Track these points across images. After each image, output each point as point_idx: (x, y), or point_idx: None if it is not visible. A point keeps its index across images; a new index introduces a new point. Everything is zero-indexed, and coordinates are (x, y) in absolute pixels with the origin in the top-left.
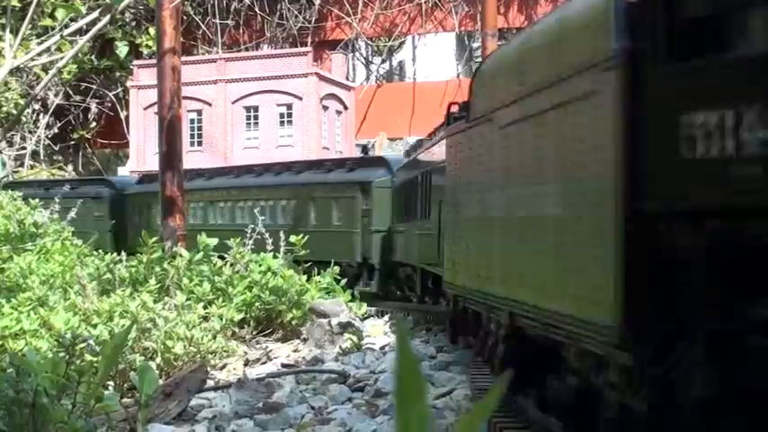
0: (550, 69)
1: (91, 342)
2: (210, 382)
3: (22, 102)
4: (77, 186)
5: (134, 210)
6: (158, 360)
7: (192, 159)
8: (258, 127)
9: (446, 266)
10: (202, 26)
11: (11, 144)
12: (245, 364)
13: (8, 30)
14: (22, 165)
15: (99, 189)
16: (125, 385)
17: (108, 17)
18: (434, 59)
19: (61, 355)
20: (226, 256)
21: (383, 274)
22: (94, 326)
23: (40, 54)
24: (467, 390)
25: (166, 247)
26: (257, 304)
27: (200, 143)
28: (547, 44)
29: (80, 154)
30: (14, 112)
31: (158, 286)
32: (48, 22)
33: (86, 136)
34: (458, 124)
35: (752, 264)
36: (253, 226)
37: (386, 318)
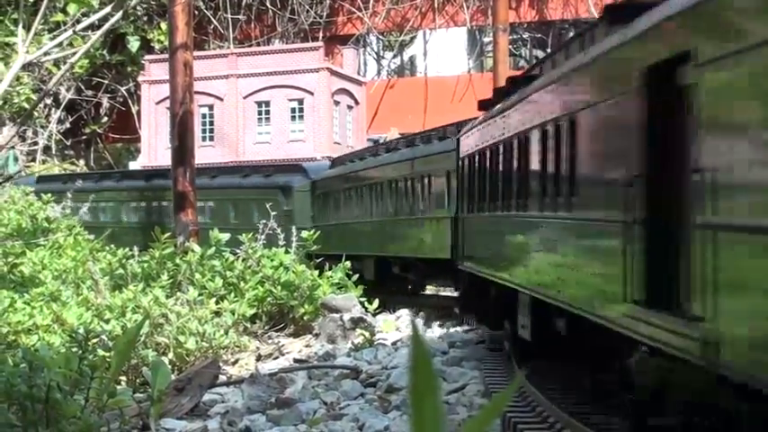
0: None
1: (104, 337)
2: (223, 378)
3: (33, 96)
4: (252, 174)
5: (324, 200)
6: (171, 355)
7: (203, 154)
8: (270, 122)
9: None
10: (214, 21)
11: (23, 139)
12: (257, 360)
13: (21, 25)
14: (33, 160)
15: (288, 178)
16: (137, 380)
17: (120, 13)
18: (445, 54)
19: (74, 350)
20: (237, 251)
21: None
22: (107, 321)
23: (52, 49)
24: (479, 385)
25: (178, 242)
26: (269, 299)
27: (211, 138)
28: None
29: (92, 149)
30: (26, 106)
31: (170, 282)
32: (60, 17)
33: (98, 131)
34: None
35: None
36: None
37: (397, 313)
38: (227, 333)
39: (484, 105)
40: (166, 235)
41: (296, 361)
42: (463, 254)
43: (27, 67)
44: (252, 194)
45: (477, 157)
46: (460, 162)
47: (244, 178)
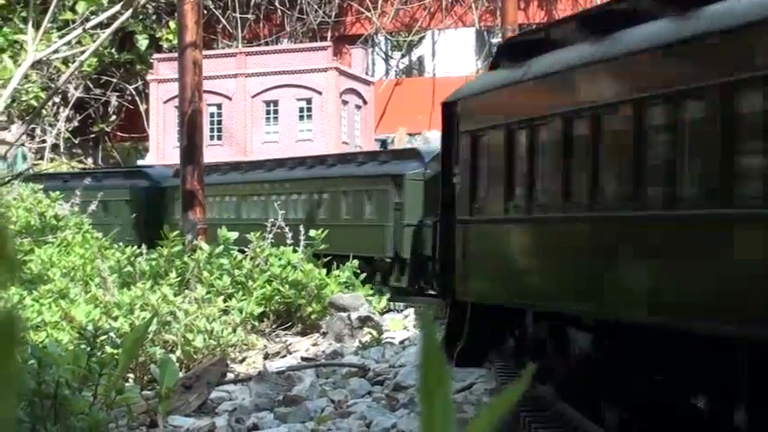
0: None
1: (112, 334)
2: (230, 375)
3: (42, 94)
4: (368, 161)
5: (431, 188)
6: (178, 353)
7: (211, 153)
8: (278, 121)
9: None
10: (222, 20)
11: (32, 137)
12: (265, 358)
13: (30, 23)
14: (42, 158)
15: (402, 164)
16: (145, 378)
17: (130, 11)
18: (454, 55)
19: (82, 347)
20: (246, 249)
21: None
22: (115, 318)
23: (61, 47)
24: (487, 384)
25: (187, 240)
26: (277, 298)
27: (219, 137)
28: None
29: (100, 147)
30: (35, 104)
31: (179, 279)
32: (69, 15)
33: (106, 129)
34: None
35: None
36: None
37: (405, 312)
38: (234, 331)
39: (512, 51)
40: (175, 233)
41: (303, 359)
42: (465, 275)
43: (36, 65)
44: (363, 185)
45: (521, 132)
46: (463, 139)
47: (359, 167)
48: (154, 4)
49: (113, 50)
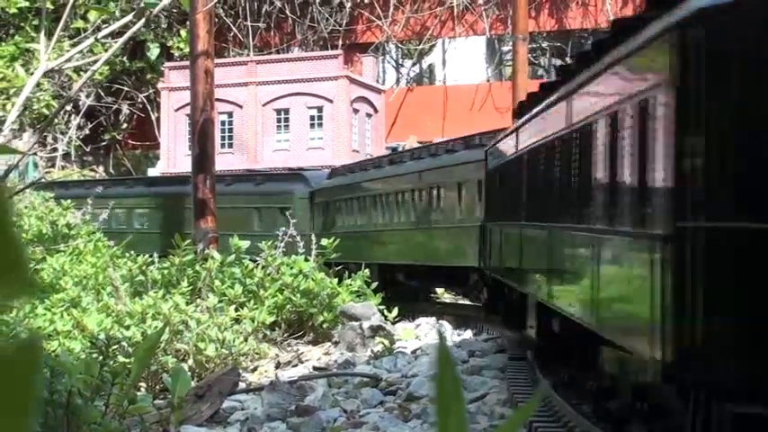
0: None
1: (124, 344)
2: (242, 385)
3: (53, 103)
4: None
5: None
6: (190, 362)
7: (222, 161)
8: (289, 129)
9: None
10: (233, 28)
11: (43, 145)
12: (277, 367)
13: (43, 32)
14: (53, 166)
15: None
16: (157, 387)
17: (142, 20)
18: (464, 63)
19: (95, 356)
20: (257, 258)
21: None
22: (127, 327)
23: (73, 56)
24: (500, 394)
25: (198, 249)
26: (288, 307)
27: (230, 145)
28: None
29: (111, 155)
30: (46, 113)
31: (190, 288)
32: (80, 24)
33: (117, 137)
34: None
35: None
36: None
37: (417, 321)
38: (246, 340)
39: None
40: (187, 242)
41: (315, 369)
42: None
43: (48, 73)
44: (456, 176)
45: None
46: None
47: (452, 154)
48: (165, 13)
49: (125, 59)
